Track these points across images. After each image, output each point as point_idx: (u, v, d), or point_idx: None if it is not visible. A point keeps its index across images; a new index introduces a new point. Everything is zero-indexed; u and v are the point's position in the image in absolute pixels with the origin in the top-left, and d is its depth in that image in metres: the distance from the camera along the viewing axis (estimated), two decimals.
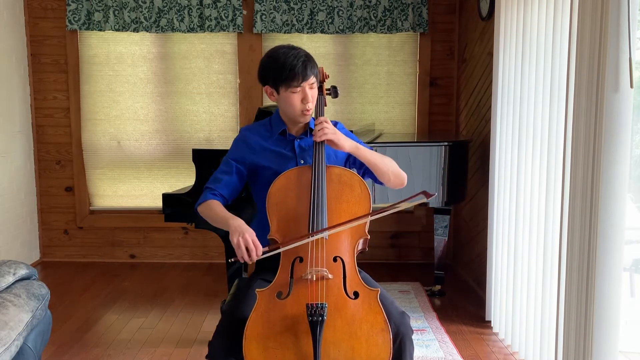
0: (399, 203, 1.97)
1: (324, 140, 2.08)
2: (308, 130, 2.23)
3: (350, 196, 2.04)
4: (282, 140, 2.21)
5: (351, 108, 4.83)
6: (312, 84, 2.11)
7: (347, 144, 2.11)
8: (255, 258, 1.93)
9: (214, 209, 2.13)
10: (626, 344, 2.91)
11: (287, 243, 1.95)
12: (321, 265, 1.91)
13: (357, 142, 2.23)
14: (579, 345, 2.25)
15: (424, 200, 1.88)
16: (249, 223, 2.04)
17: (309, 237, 1.93)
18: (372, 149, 2.22)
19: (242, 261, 1.95)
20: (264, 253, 1.95)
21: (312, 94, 2.12)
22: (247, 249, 1.93)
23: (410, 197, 1.94)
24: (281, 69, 2.07)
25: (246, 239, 1.93)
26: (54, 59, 4.76)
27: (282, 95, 2.12)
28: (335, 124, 2.27)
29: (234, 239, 1.94)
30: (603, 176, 2.11)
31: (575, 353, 2.28)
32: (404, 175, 2.21)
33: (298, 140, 2.21)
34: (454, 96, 4.80)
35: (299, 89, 2.09)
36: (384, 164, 2.16)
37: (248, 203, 2.58)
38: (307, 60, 2.10)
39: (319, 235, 1.93)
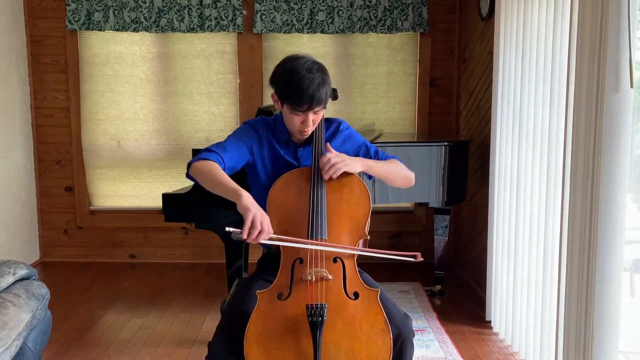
0: (391, 254, 2.02)
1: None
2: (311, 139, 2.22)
3: (349, 197, 2.04)
4: (285, 148, 2.20)
5: (351, 108, 4.83)
6: (318, 111, 2.05)
7: (359, 166, 2.08)
8: (259, 241, 1.83)
9: (217, 172, 1.95)
10: (626, 344, 2.90)
11: (291, 241, 1.94)
12: (321, 266, 1.92)
13: (365, 142, 2.26)
14: (579, 345, 2.25)
15: (413, 260, 1.96)
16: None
17: (307, 244, 1.93)
18: (381, 155, 2.25)
19: (242, 238, 1.82)
20: (270, 239, 1.89)
21: (315, 118, 2.06)
22: (261, 231, 1.82)
23: (403, 254, 1.99)
24: (291, 90, 1.99)
25: (263, 221, 1.83)
26: (54, 58, 4.75)
27: (284, 110, 2.07)
28: (339, 122, 2.26)
29: (250, 215, 1.81)
30: (603, 176, 2.11)
31: (575, 353, 2.28)
32: (412, 176, 2.26)
33: (301, 150, 2.20)
34: (454, 96, 4.80)
35: (301, 114, 2.04)
36: (394, 173, 2.19)
37: None
38: (318, 90, 1.98)
39: (317, 247, 1.93)
